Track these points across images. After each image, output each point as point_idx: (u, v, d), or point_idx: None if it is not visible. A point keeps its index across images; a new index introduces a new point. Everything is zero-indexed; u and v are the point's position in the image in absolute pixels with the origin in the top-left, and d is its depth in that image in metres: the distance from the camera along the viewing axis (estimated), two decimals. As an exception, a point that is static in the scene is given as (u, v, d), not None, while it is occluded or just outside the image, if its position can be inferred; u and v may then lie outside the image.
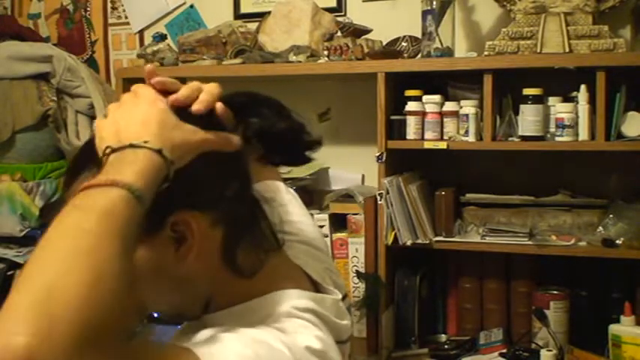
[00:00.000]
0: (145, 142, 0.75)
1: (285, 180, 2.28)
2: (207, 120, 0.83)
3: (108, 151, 0.76)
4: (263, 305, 0.86)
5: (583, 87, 1.92)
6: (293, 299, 0.86)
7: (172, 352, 0.74)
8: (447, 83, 2.12)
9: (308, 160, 0.94)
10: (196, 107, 0.83)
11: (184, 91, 0.85)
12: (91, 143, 0.87)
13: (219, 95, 0.86)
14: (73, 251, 0.65)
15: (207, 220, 0.83)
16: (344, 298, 1.01)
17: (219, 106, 0.85)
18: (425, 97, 2.06)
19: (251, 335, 0.78)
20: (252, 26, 2.39)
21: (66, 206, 0.71)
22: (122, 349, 0.67)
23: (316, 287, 0.95)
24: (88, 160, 0.84)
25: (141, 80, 0.89)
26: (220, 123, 0.85)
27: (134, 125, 0.78)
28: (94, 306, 0.62)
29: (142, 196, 0.70)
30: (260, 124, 0.89)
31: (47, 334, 0.58)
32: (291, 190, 1.17)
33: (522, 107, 1.96)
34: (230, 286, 0.87)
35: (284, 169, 2.46)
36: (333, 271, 1.04)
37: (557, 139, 1.92)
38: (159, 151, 0.75)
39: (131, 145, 0.75)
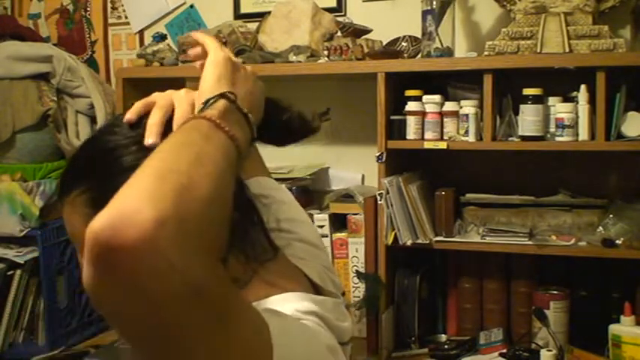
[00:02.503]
0: (230, 92, 0.81)
1: (285, 180, 2.29)
2: None
3: (232, 97, 0.80)
4: (264, 308, 0.85)
5: (583, 87, 1.92)
6: (295, 302, 0.86)
7: (254, 310, 0.74)
8: (447, 83, 2.12)
9: (315, 130, 0.98)
10: None
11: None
12: (84, 156, 0.87)
13: None
14: (200, 163, 0.65)
15: None
16: (342, 296, 1.02)
17: None
18: (425, 97, 2.06)
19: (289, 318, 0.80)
20: (252, 26, 2.39)
21: (189, 124, 0.73)
22: (222, 272, 0.67)
23: (316, 289, 0.95)
24: (81, 175, 0.83)
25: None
26: None
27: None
28: (217, 211, 0.63)
29: (243, 153, 0.74)
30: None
31: (177, 216, 0.58)
32: (283, 187, 1.17)
33: (522, 107, 1.96)
34: None
35: (284, 170, 2.47)
36: (330, 269, 1.04)
37: (557, 139, 1.92)
38: (245, 115, 0.80)
39: (239, 109, 0.79)
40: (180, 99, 0.86)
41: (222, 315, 0.64)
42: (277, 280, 0.89)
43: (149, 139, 0.80)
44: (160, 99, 0.85)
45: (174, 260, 0.57)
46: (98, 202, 0.77)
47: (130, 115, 0.84)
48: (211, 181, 0.64)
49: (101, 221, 0.57)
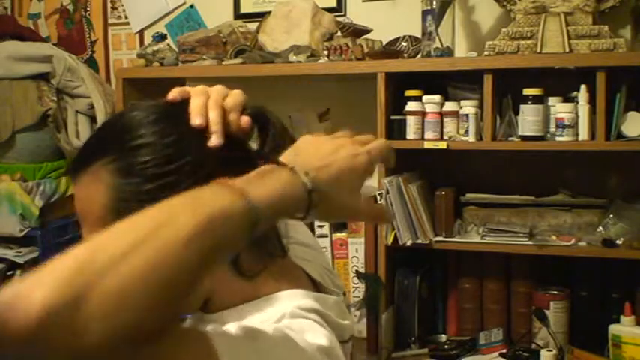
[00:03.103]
0: (306, 173, 0.72)
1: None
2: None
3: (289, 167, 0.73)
4: (267, 305, 0.85)
5: (583, 87, 1.92)
6: (297, 299, 0.86)
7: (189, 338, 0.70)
8: (447, 83, 2.12)
9: None
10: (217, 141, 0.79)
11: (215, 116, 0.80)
12: (103, 132, 0.86)
13: (243, 106, 0.84)
14: (150, 237, 0.58)
15: None
16: (343, 296, 1.02)
17: (245, 120, 0.83)
18: (425, 97, 2.06)
19: (258, 326, 0.78)
20: (252, 26, 2.39)
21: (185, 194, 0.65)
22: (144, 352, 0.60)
23: (317, 287, 0.95)
24: (99, 150, 0.81)
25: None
26: (243, 143, 0.84)
27: (318, 163, 0.75)
28: (137, 305, 0.56)
29: (260, 218, 0.66)
30: (272, 143, 0.87)
31: (73, 298, 0.53)
32: None
33: (522, 107, 1.96)
34: (231, 285, 0.86)
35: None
36: (331, 271, 1.04)
37: (557, 139, 1.92)
38: (309, 191, 0.71)
39: (292, 169, 0.72)
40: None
41: None
42: (280, 278, 0.89)
43: (216, 140, 0.78)
44: (213, 92, 0.83)
45: (65, 350, 0.52)
46: (126, 173, 0.77)
47: (173, 94, 0.82)
48: (154, 263, 0.57)
49: (3, 292, 0.53)
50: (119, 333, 0.55)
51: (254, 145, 0.87)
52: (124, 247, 0.57)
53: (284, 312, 0.83)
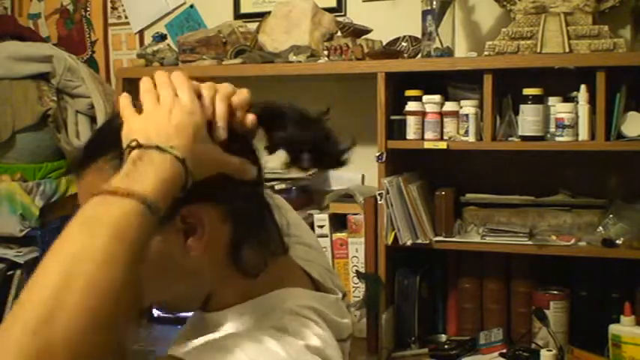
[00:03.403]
0: (172, 147, 0.73)
1: (284, 180, 2.29)
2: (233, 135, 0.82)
3: (134, 144, 0.74)
4: (266, 304, 0.86)
5: (583, 87, 1.92)
6: (296, 297, 0.87)
7: None
8: (447, 83, 2.12)
9: (342, 163, 0.95)
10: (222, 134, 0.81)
11: (221, 108, 0.82)
12: (106, 129, 0.87)
13: (249, 104, 0.85)
14: (74, 273, 0.62)
15: (219, 213, 0.82)
16: (343, 297, 1.02)
17: (250, 118, 0.84)
18: (425, 97, 2.06)
19: (247, 338, 0.78)
20: (252, 26, 2.39)
21: (77, 215, 0.67)
22: None
23: (317, 286, 0.96)
24: (103, 146, 0.83)
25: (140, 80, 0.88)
26: (245, 136, 0.86)
27: (167, 127, 0.76)
28: (93, 331, 0.60)
29: (158, 208, 0.69)
30: (282, 137, 0.88)
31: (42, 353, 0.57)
32: (279, 196, 1.18)
33: (522, 107, 1.96)
34: (233, 283, 0.87)
35: (283, 170, 2.46)
36: (332, 272, 1.05)
37: (557, 139, 1.92)
38: (182, 161, 0.73)
39: (157, 147, 0.73)
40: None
41: None
42: (280, 277, 0.89)
43: (221, 134, 0.80)
44: (222, 88, 0.84)
45: None
46: None
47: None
48: (88, 294, 0.61)
49: None
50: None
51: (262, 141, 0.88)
52: (51, 301, 0.60)
53: (283, 310, 0.84)
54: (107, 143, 0.82)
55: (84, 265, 0.63)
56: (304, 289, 0.90)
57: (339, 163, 0.93)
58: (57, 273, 0.62)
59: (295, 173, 2.30)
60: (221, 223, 0.83)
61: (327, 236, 2.20)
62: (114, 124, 0.85)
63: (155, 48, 2.35)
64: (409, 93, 2.07)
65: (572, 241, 1.95)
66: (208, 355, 0.75)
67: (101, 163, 0.82)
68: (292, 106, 0.92)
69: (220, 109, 0.81)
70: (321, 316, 0.86)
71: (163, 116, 0.77)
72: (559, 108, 1.93)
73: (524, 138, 1.96)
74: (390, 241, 2.01)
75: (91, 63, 2.80)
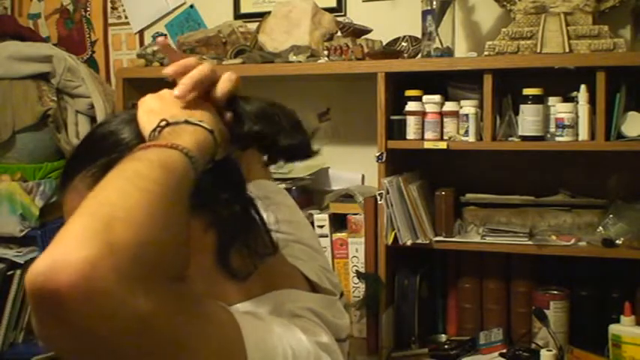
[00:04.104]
0: (200, 121, 0.78)
1: (285, 180, 2.29)
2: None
3: (163, 123, 0.77)
4: (262, 305, 0.86)
5: (583, 87, 1.92)
6: (293, 299, 0.87)
7: (218, 308, 0.74)
8: (447, 83, 2.12)
9: (307, 155, 0.95)
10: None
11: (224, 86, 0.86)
12: (85, 144, 0.88)
13: (235, 89, 0.87)
14: (134, 187, 0.64)
15: (201, 222, 0.83)
16: (340, 296, 1.02)
17: (228, 116, 0.86)
18: (425, 97, 2.06)
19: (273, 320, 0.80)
20: (252, 26, 2.39)
21: (124, 160, 0.70)
22: (175, 291, 0.66)
23: (313, 287, 0.96)
24: (84, 160, 0.84)
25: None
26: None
27: (182, 110, 0.80)
28: (154, 234, 0.62)
29: (197, 163, 0.72)
30: (263, 138, 0.88)
31: (108, 250, 0.57)
32: (283, 190, 1.18)
33: (522, 107, 1.96)
34: (223, 288, 0.87)
35: (284, 170, 2.46)
36: (328, 270, 1.05)
37: (557, 139, 1.92)
38: (211, 132, 0.77)
39: (187, 121, 0.77)
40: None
41: (177, 339, 0.64)
42: (276, 277, 0.89)
43: (176, 90, 0.82)
44: (206, 66, 0.86)
45: (112, 297, 0.57)
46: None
47: (168, 70, 0.85)
48: (147, 205, 0.63)
49: (35, 268, 0.57)
50: (150, 252, 0.61)
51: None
52: (117, 193, 0.63)
53: (281, 312, 0.84)
54: (79, 162, 0.84)
55: (141, 182, 0.65)
56: (300, 291, 0.90)
57: (305, 154, 0.92)
58: (115, 188, 0.64)
59: (295, 173, 2.30)
60: (204, 230, 0.84)
61: (327, 236, 2.20)
62: (86, 141, 0.88)
63: (155, 48, 2.34)
64: (409, 93, 2.07)
65: (572, 241, 1.95)
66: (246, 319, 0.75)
67: (76, 181, 0.84)
68: (282, 108, 0.92)
69: (189, 78, 0.83)
70: (319, 318, 0.87)
71: (173, 103, 0.82)
72: (559, 108, 1.93)
73: (524, 138, 1.96)
74: (390, 241, 2.01)
75: (91, 63, 2.80)
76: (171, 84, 0.86)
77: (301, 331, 0.80)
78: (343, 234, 2.20)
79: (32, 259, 2.37)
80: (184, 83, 0.82)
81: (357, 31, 2.21)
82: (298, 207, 1.18)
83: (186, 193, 0.70)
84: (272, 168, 1.04)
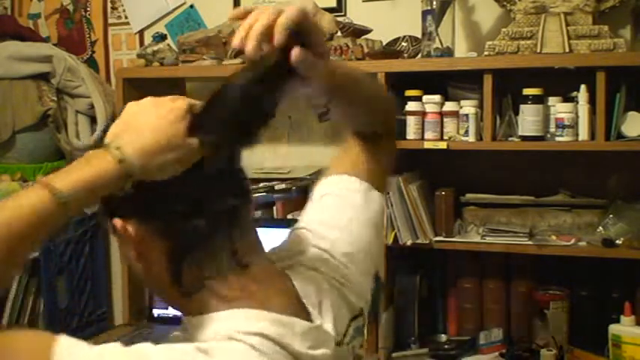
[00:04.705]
0: (117, 147, 0.80)
1: (285, 180, 2.28)
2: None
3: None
4: (207, 324, 0.84)
5: (583, 87, 1.92)
6: (240, 321, 0.83)
7: (35, 336, 0.80)
8: (447, 83, 2.12)
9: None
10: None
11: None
12: None
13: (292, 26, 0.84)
14: None
15: (150, 229, 0.85)
16: (355, 317, 0.96)
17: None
18: (425, 97, 2.06)
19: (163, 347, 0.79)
20: (252, 26, 2.38)
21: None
22: None
23: (302, 306, 0.90)
24: None
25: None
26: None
27: (132, 129, 0.83)
28: None
29: (68, 202, 0.77)
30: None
31: None
32: (363, 190, 1.06)
33: (522, 107, 1.96)
34: (179, 301, 0.90)
35: (284, 170, 2.45)
36: (347, 284, 0.97)
37: (557, 139, 1.92)
38: (120, 161, 0.79)
39: (105, 146, 0.81)
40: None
41: None
42: (237, 295, 0.86)
43: (238, 42, 0.85)
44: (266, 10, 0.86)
45: None
46: None
47: (235, 41, 0.86)
48: None
49: None
50: None
51: None
52: None
53: (217, 332, 0.82)
54: None
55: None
56: (260, 312, 0.84)
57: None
58: None
59: (295, 173, 2.30)
60: (154, 239, 0.85)
61: (327, 236, 2.19)
62: None
63: (155, 48, 2.34)
64: (409, 93, 2.07)
65: (572, 241, 1.95)
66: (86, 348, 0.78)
67: None
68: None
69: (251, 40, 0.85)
70: (274, 344, 0.82)
71: (137, 117, 0.84)
72: (559, 108, 1.93)
73: (524, 138, 1.96)
74: (390, 241, 2.01)
75: (91, 63, 2.79)
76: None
77: (199, 352, 0.78)
78: (343, 234, 2.19)
79: (32, 259, 2.38)
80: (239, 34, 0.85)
81: (357, 31, 2.20)
82: (365, 208, 1.06)
83: (42, 234, 0.78)
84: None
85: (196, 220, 0.85)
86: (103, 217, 0.85)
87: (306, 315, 0.89)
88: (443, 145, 2.01)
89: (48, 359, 0.74)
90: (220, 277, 0.86)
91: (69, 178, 0.78)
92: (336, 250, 0.99)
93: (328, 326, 0.90)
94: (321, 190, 1.07)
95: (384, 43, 2.23)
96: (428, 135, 2.03)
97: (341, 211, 1.04)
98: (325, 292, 0.93)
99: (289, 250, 0.99)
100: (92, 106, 2.55)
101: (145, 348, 0.78)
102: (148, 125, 0.82)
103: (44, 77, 2.57)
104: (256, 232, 0.94)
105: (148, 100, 0.86)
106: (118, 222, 0.86)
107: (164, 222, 0.85)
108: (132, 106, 0.86)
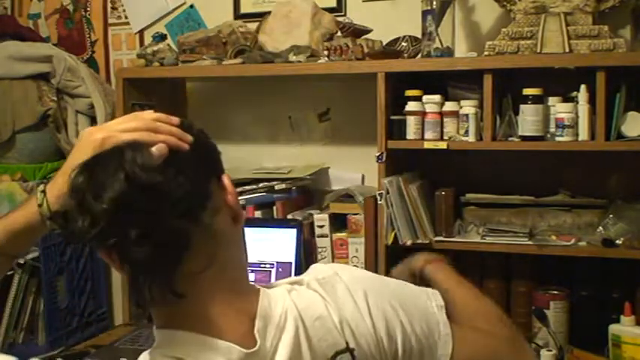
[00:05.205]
0: (42, 190, 0.89)
1: (284, 180, 2.29)
2: None
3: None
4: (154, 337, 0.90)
5: (583, 87, 1.92)
6: (164, 342, 0.89)
7: None
8: (447, 83, 2.12)
9: None
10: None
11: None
12: None
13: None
14: None
15: (116, 257, 0.87)
16: (334, 355, 0.93)
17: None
18: (425, 97, 2.06)
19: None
20: (252, 26, 2.39)
21: None
22: None
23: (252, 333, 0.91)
24: None
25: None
26: None
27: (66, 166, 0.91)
28: None
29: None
30: None
31: None
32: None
33: (522, 107, 1.96)
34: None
35: (284, 170, 2.46)
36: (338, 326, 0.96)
37: (557, 139, 1.92)
38: (40, 204, 0.87)
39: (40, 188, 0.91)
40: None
41: None
42: (163, 323, 0.90)
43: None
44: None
45: None
46: None
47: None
48: None
49: None
50: None
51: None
52: None
53: (146, 353, 0.89)
54: None
55: None
56: (186, 334, 0.88)
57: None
58: None
59: (295, 173, 2.30)
60: (122, 264, 0.87)
61: (327, 236, 2.20)
62: None
63: (155, 48, 2.34)
64: (409, 93, 2.07)
65: (572, 241, 1.95)
66: None
67: None
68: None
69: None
70: None
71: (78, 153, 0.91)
72: (559, 108, 1.93)
73: (524, 138, 1.96)
74: (390, 241, 2.01)
75: (91, 63, 2.79)
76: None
77: None
78: (343, 234, 2.20)
79: (32, 259, 2.38)
80: None
81: (357, 31, 2.20)
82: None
83: None
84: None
85: (137, 249, 0.83)
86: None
87: (251, 339, 0.90)
88: (443, 145, 2.01)
89: None
90: (157, 304, 0.89)
91: (7, 219, 0.88)
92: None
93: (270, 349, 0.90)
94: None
95: (384, 43, 2.23)
96: (428, 135, 2.03)
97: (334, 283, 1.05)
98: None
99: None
100: (92, 106, 2.55)
101: None
102: (68, 158, 0.91)
103: (44, 77, 2.57)
104: (227, 247, 0.93)
105: (95, 128, 0.93)
106: (99, 250, 0.90)
107: (120, 250, 0.85)
108: (82, 135, 0.92)
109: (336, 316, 0.95)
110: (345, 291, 0.97)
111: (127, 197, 0.81)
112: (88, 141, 0.89)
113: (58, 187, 0.88)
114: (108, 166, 0.82)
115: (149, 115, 0.92)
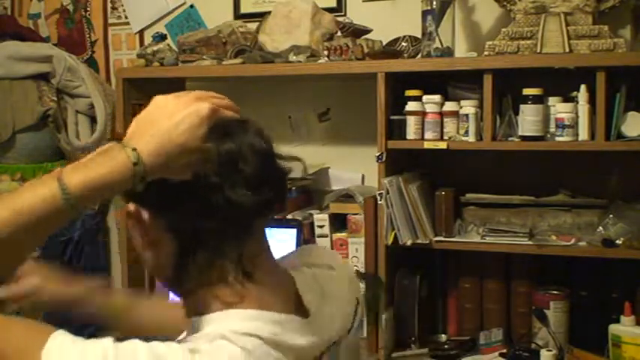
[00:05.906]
0: (134, 148, 0.81)
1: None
2: None
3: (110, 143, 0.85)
4: (203, 325, 0.88)
5: (583, 87, 1.92)
6: (235, 321, 0.86)
7: (33, 327, 0.80)
8: (447, 83, 2.12)
9: None
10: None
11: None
12: None
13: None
14: None
15: (161, 224, 0.87)
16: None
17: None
18: (425, 97, 2.06)
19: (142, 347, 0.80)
20: (252, 26, 2.39)
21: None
22: None
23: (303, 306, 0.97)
24: None
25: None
26: None
27: (152, 128, 0.84)
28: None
29: (74, 197, 0.78)
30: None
31: None
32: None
33: (522, 107, 1.96)
34: (177, 292, 0.94)
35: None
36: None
37: (557, 139, 1.92)
38: (135, 163, 0.80)
39: (122, 144, 0.82)
40: None
41: None
42: (236, 301, 0.89)
43: None
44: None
45: None
46: None
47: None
48: None
49: None
50: None
51: None
52: None
53: (209, 334, 0.85)
54: None
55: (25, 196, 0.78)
56: (257, 312, 0.88)
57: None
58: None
59: (295, 173, 2.30)
60: (164, 235, 0.88)
61: (327, 236, 2.20)
62: None
63: (155, 48, 2.34)
64: (409, 93, 2.07)
65: (572, 241, 1.95)
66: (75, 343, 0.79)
67: None
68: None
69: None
70: (269, 343, 0.86)
71: (158, 115, 0.86)
72: (559, 108, 1.93)
73: (524, 138, 1.96)
74: (390, 241, 2.01)
75: (91, 63, 2.79)
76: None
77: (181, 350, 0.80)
78: (343, 234, 2.20)
79: (32, 259, 2.38)
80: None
81: (357, 31, 2.20)
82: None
83: (49, 227, 0.80)
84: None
85: (206, 223, 0.85)
86: (119, 199, 0.86)
87: (303, 311, 0.95)
88: (443, 145, 2.01)
89: (37, 354, 0.75)
90: (222, 283, 0.88)
91: (81, 177, 0.79)
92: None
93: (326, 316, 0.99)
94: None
95: (384, 43, 2.23)
96: (428, 135, 2.03)
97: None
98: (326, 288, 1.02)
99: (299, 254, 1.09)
100: (92, 106, 2.55)
101: (134, 345, 0.79)
102: (168, 127, 0.83)
103: (44, 77, 2.57)
104: (265, 235, 0.97)
105: (172, 98, 0.86)
106: (132, 206, 0.89)
107: (175, 219, 0.86)
108: (157, 101, 0.87)
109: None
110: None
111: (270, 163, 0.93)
112: (195, 109, 0.85)
113: (152, 146, 0.82)
114: (245, 134, 0.90)
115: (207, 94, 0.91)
